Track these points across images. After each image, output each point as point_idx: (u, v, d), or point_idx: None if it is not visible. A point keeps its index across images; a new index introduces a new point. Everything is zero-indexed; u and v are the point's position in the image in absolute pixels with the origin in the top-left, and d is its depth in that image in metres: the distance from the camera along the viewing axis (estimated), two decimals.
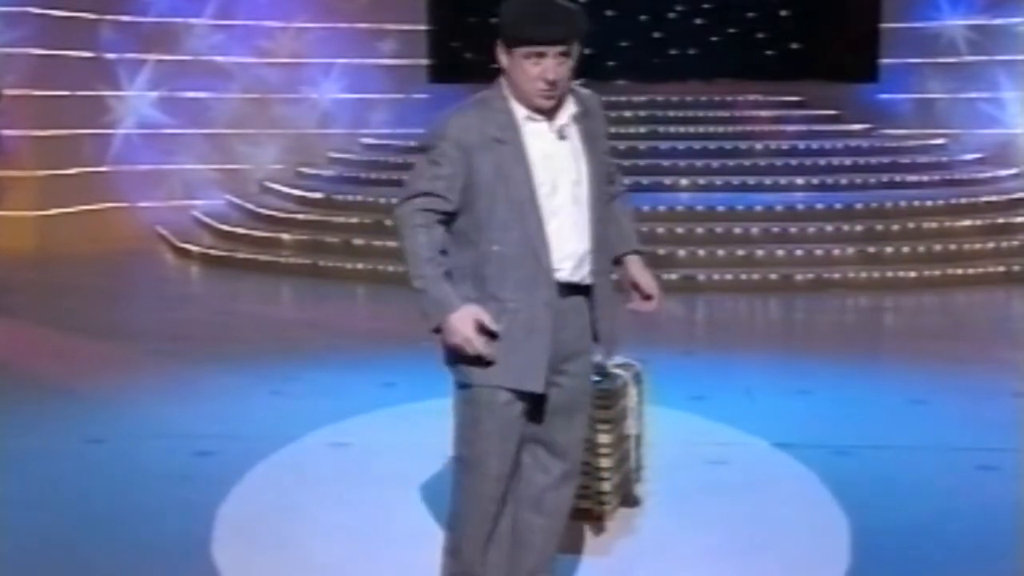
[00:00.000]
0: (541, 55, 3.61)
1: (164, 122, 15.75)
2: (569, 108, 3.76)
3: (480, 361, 3.66)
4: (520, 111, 3.71)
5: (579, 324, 3.81)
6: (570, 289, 3.75)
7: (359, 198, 13.59)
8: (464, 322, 3.62)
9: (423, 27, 16.71)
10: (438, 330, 3.68)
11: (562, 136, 3.74)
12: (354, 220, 12.97)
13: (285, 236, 13.06)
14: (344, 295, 11.45)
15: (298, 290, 11.81)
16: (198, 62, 15.80)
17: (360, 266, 11.95)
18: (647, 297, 3.99)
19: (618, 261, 4.02)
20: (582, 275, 3.77)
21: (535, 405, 3.80)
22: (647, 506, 5.31)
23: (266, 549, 5.05)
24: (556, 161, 3.72)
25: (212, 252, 13.16)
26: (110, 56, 15.32)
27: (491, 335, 3.64)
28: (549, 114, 3.72)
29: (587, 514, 4.98)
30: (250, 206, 14.45)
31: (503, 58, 3.70)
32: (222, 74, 15.97)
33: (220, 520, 5.35)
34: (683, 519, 5.25)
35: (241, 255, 12.78)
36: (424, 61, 16.78)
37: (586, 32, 3.67)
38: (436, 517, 5.28)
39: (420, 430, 6.68)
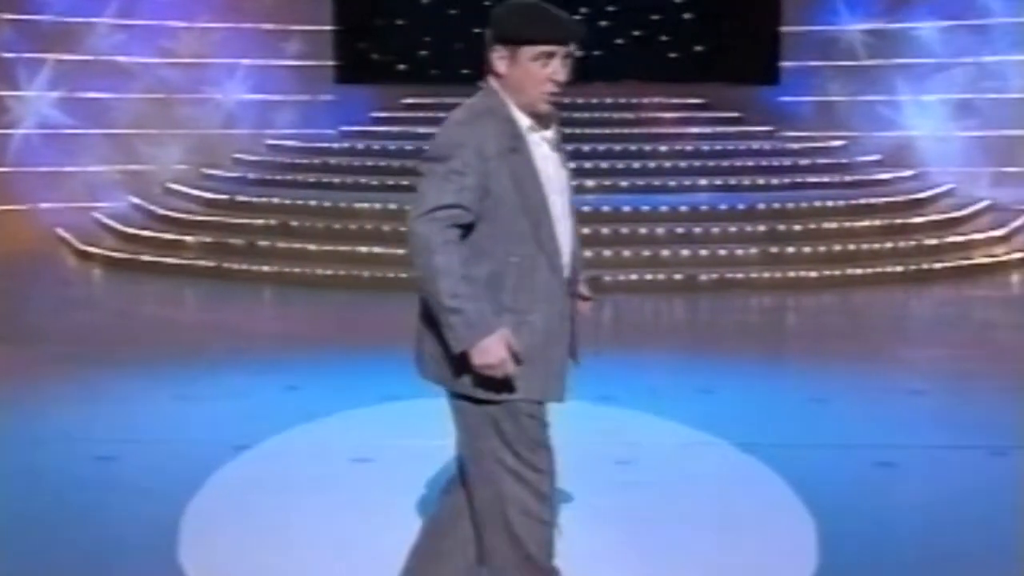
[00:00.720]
0: (551, 55, 3.64)
1: (65, 122, 15.52)
2: (554, 120, 3.82)
3: (498, 381, 3.63)
4: (523, 121, 3.71)
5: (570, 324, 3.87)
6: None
7: (264, 199, 13.49)
8: (501, 344, 3.56)
9: (329, 28, 16.63)
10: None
11: (553, 148, 3.79)
12: (259, 222, 12.87)
13: (189, 238, 12.91)
14: (249, 297, 11.35)
15: (202, 293, 11.68)
16: (99, 62, 15.59)
17: (265, 268, 11.85)
18: (585, 299, 4.05)
19: None
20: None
21: None
22: (557, 505, 5.33)
23: (178, 555, 4.99)
24: (552, 172, 3.75)
25: (115, 255, 12.97)
26: (8, 55, 15.06)
27: (516, 359, 3.62)
28: (545, 125, 3.76)
29: None
30: (153, 208, 14.27)
31: (502, 63, 3.68)
32: (124, 74, 15.77)
33: (124, 525, 5.29)
34: (593, 518, 5.27)
35: (144, 257, 12.62)
36: (330, 62, 16.70)
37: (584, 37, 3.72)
38: (351, 520, 5.29)
39: (326, 434, 6.68)
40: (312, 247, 11.88)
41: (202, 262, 12.32)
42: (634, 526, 5.31)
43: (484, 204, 3.61)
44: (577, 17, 3.73)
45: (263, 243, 12.37)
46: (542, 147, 3.75)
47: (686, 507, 5.57)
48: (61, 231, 14.22)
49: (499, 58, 3.69)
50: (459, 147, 3.59)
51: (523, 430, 3.70)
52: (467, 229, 3.62)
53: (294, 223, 12.62)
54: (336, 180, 13.85)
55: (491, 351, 3.55)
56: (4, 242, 13.77)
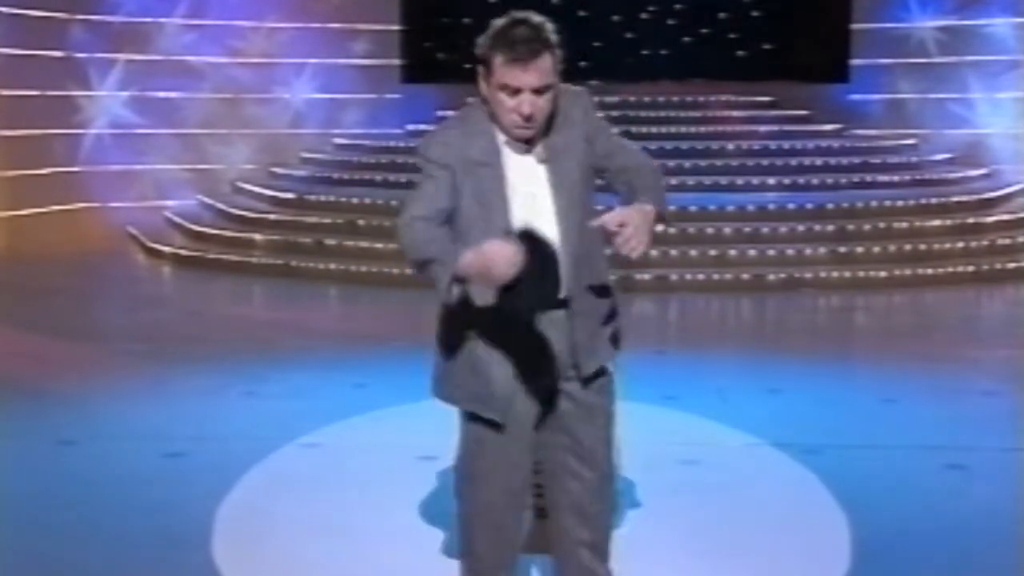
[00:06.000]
0: (517, 91, 3.48)
1: (135, 122, 15.70)
2: (551, 133, 3.64)
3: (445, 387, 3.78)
4: (500, 136, 3.60)
5: (567, 337, 3.69)
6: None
7: (331, 198, 13.57)
8: (473, 254, 3.32)
9: (396, 27, 16.70)
10: (462, 280, 3.40)
11: (542, 160, 3.62)
12: (327, 220, 12.95)
13: (257, 236, 13.02)
14: (316, 295, 11.43)
15: (270, 290, 11.78)
16: (169, 62, 15.75)
17: (332, 266, 11.93)
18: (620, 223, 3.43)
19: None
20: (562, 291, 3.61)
21: (550, 417, 3.78)
22: (619, 506, 5.32)
23: (242, 550, 5.04)
24: (535, 185, 3.61)
25: (184, 252, 13.11)
26: (81, 56, 15.25)
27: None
28: (529, 140, 3.61)
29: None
30: (222, 206, 14.41)
31: (482, 84, 3.57)
32: (193, 74, 15.92)
33: (192, 522, 5.34)
34: (656, 518, 5.26)
35: (213, 255, 12.74)
36: (396, 61, 16.77)
37: (560, 63, 3.52)
38: (412, 517, 5.30)
39: (392, 431, 6.70)
40: (379, 246, 11.91)
41: (270, 260, 12.42)
42: (691, 527, 5.28)
43: (454, 216, 3.61)
44: (555, 44, 3.48)
45: (330, 242, 12.44)
46: (523, 162, 3.61)
47: (745, 510, 5.52)
48: (131, 229, 14.39)
49: (480, 78, 3.57)
50: (425, 153, 3.63)
51: (464, 433, 3.81)
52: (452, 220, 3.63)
53: (361, 222, 12.68)
54: (403, 179, 13.84)
55: (472, 258, 3.31)
56: (75, 240, 13.96)
